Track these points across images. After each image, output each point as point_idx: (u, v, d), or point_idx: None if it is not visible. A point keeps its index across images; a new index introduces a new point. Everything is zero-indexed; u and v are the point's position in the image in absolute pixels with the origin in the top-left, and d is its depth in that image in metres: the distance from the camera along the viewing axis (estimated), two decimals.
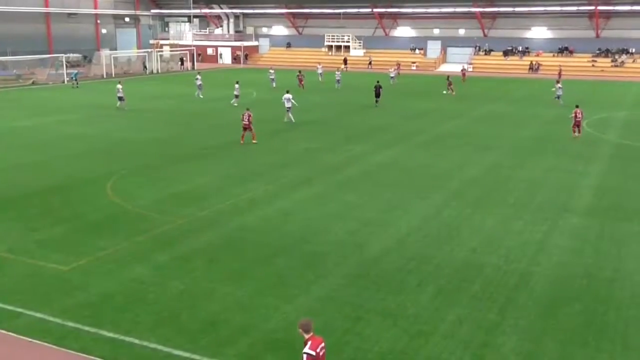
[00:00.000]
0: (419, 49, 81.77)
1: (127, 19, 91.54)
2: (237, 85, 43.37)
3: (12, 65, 59.75)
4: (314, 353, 8.06)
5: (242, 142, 28.57)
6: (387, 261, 14.85)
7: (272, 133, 31.65)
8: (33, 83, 56.99)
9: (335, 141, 29.79)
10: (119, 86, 40.69)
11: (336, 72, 56.92)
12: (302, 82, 53.69)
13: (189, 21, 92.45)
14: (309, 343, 8.19)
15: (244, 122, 28.51)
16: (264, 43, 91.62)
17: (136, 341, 11.02)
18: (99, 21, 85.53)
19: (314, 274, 14.07)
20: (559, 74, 59.71)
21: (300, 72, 56.03)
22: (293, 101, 34.86)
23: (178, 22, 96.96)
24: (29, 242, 15.91)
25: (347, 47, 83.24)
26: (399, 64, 72.60)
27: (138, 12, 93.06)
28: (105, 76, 64.21)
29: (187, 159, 25.95)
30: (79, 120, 35.99)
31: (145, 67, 70.75)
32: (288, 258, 15.04)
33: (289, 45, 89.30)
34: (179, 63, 76.90)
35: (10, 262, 14.63)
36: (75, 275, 13.86)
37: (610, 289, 13.44)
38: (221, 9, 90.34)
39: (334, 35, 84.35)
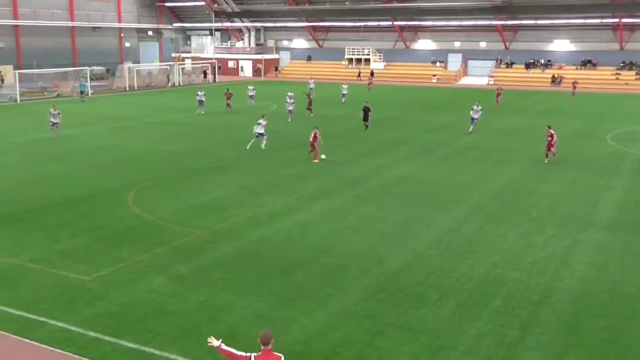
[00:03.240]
0: (439, 62, 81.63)
1: (150, 33, 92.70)
2: (200, 93, 45.44)
3: (38, 77, 60.70)
4: None
5: (315, 160, 27.92)
6: (407, 275, 14.76)
7: (291, 145, 31.71)
8: (58, 95, 57.79)
9: (354, 154, 29.77)
10: (53, 111, 34.11)
11: (309, 85, 55.18)
12: (229, 102, 45.90)
13: (211, 34, 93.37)
14: (257, 353, 7.91)
15: (311, 140, 28.11)
16: (284, 56, 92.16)
17: (156, 352, 11.06)
18: (122, 35, 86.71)
19: (333, 287, 14.03)
20: (498, 93, 52.41)
21: (228, 89, 47.81)
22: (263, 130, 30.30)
23: (200, 35, 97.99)
24: (51, 252, 16.09)
25: (368, 60, 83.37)
26: (372, 72, 71.72)
27: (161, 26, 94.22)
28: (127, 89, 64.99)
29: (206, 171, 26.11)
30: (101, 132, 36.43)
31: (168, 79, 71.51)
32: (307, 271, 15.02)
33: (309, 58, 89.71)
34: (202, 76, 77.59)
35: (33, 272, 14.80)
36: (97, 286, 13.98)
37: (635, 305, 13.20)
38: (242, 22, 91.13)
39: (354, 48, 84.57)
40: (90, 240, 17.11)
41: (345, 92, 52.26)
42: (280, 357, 7.95)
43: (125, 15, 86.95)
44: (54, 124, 33.92)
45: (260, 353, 7.89)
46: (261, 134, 30.19)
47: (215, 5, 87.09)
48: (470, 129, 35.89)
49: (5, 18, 70.61)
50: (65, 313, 12.53)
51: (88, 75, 60.46)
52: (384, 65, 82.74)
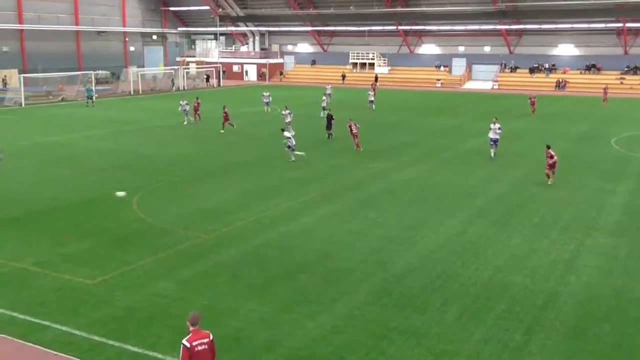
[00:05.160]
0: (444, 66, 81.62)
1: (154, 37, 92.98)
2: (182, 102, 42.99)
3: (43, 82, 60.92)
4: (187, 344, 8.50)
5: (359, 149, 31.20)
6: (411, 279, 14.72)
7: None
8: (62, 99, 57.99)
9: (357, 158, 29.74)
10: None
11: (326, 88, 55.22)
12: (198, 112, 42.69)
13: (216, 39, 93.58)
14: (189, 335, 8.64)
15: (353, 132, 31.17)
16: (289, 60, 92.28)
17: (159, 356, 11.04)
18: (127, 39, 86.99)
19: (337, 291, 14.00)
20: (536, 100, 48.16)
21: (197, 98, 44.73)
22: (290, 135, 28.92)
23: (205, 39, 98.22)
24: (55, 256, 16.10)
25: (372, 65, 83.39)
26: (376, 77, 72.19)
27: (165, 30, 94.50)
28: (132, 93, 65.16)
29: (210, 175, 26.12)
30: (105, 136, 36.51)
31: (173, 83, 71.70)
32: (311, 275, 15.00)
33: (314, 62, 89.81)
34: (205, 80, 77.77)
35: (37, 275, 14.81)
36: (101, 289, 13.98)
37: None
38: (247, 26, 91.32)
39: (359, 53, 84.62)
40: (95, 244, 17.13)
41: (371, 98, 50.87)
42: (209, 333, 8.79)
43: (130, 19, 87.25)
44: None
45: (190, 334, 8.66)
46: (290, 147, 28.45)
47: (220, 9, 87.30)
48: (492, 154, 29.67)
49: (10, 22, 70.89)
50: (69, 317, 12.52)
51: (93, 79, 60.62)
52: (388, 70, 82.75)
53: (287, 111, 37.09)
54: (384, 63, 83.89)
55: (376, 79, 75.91)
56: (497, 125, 29.67)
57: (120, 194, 20.21)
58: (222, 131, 37.60)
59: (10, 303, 13.14)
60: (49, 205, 21.12)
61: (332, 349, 11.38)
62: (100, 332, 11.88)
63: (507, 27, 74.97)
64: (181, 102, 43.70)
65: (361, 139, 33.93)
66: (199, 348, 8.53)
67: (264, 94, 49.99)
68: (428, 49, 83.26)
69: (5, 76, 66.01)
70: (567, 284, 14.48)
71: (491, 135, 29.63)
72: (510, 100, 59.64)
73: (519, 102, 55.61)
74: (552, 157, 24.22)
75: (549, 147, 24.48)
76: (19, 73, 61.58)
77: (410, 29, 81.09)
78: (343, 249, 16.87)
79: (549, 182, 24.25)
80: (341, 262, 15.86)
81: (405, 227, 18.85)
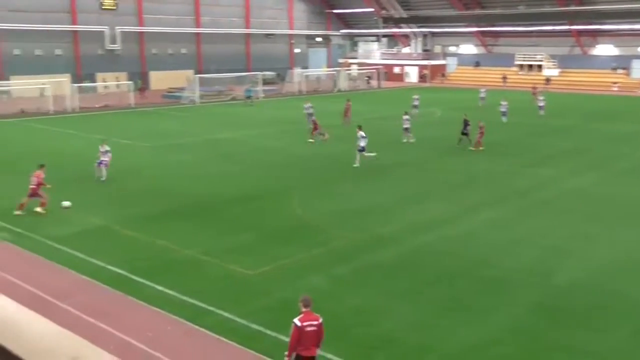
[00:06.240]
0: (621, 69, 75.50)
1: (318, 39, 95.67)
2: (306, 105, 40.59)
3: (215, 81, 65.10)
4: (299, 323, 9.20)
5: (474, 148, 31.55)
6: (576, 294, 13.74)
7: (453, 152, 31.05)
8: (233, 99, 61.56)
9: (521, 163, 28.40)
10: (102, 148, 25.12)
11: (480, 91, 53.80)
12: (349, 114, 41.06)
13: (377, 40, 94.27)
14: (300, 316, 9.31)
15: (481, 131, 31.46)
16: (451, 62, 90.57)
17: None
18: (292, 41, 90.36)
19: (495, 300, 13.44)
20: None
21: (348, 100, 43.38)
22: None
23: (367, 41, 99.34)
24: (221, 247, 17.07)
25: (540, 66, 79.31)
26: (547, 79, 65.79)
27: (329, 32, 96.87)
28: (297, 93, 67.65)
29: (365, 175, 26.20)
30: (271, 134, 38.12)
31: (335, 85, 73.41)
32: (467, 281, 14.54)
33: (477, 64, 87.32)
34: (366, 81, 78.73)
35: (205, 264, 15.80)
36: (260, 280, 14.60)
37: None
38: (410, 28, 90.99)
39: (525, 54, 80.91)
40: (256, 237, 17.92)
41: (541, 104, 46.77)
42: (319, 316, 9.38)
43: (296, 22, 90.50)
44: (101, 162, 24.96)
45: (302, 315, 9.35)
46: (362, 148, 27.38)
47: (383, 11, 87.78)
48: None
49: (188, 26, 76.58)
50: (231, 304, 13.20)
51: (260, 80, 63.69)
52: (558, 72, 78.23)
53: (407, 116, 35.36)
54: (554, 65, 79.42)
55: (547, 81, 71.91)
56: None
57: (66, 203, 20.15)
58: (311, 140, 35.06)
59: (181, 287, 14.10)
60: (218, 198, 22.43)
61: None
62: (258, 321, 12.38)
63: None
64: (305, 105, 41.44)
65: (526, 145, 32.57)
66: (308, 329, 9.22)
67: (414, 97, 49.11)
68: (604, 49, 77.48)
69: (189, 77, 71.64)
70: None
71: None
72: None
73: None
74: None
75: None
76: (195, 73, 66.35)
77: (585, 28, 75.97)
78: (503, 257, 16.18)
79: None
80: (500, 270, 15.21)
81: (571, 238, 17.66)
